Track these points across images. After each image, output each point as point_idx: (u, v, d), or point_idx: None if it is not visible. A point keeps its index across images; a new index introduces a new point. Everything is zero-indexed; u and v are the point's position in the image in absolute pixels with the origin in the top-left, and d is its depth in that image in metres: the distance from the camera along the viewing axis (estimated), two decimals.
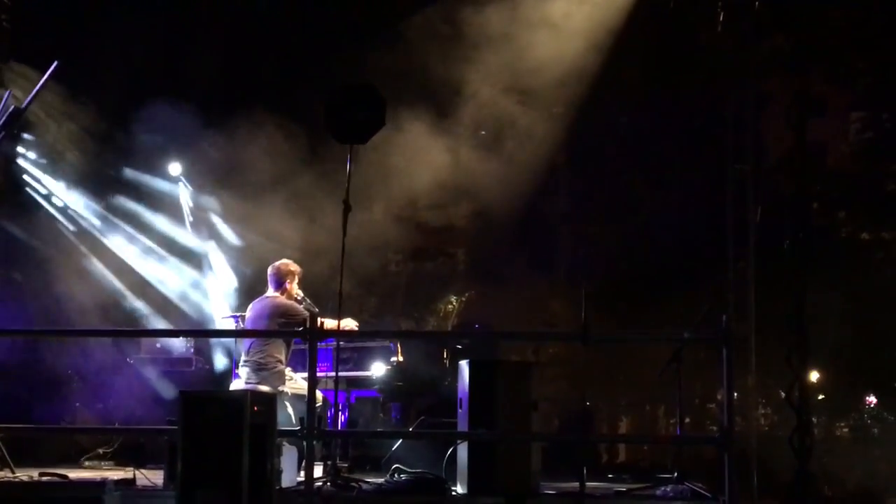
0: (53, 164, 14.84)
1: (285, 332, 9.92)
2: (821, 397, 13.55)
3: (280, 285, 10.27)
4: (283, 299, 10.19)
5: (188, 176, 15.48)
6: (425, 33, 12.97)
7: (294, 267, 10.45)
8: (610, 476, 10.93)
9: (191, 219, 15.68)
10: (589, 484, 8.24)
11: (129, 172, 15.24)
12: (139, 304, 15.17)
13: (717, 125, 11.07)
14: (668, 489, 8.47)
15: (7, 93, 10.97)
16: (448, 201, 13.65)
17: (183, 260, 15.48)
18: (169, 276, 15.40)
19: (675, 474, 8.70)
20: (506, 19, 12.95)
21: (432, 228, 14.07)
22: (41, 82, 11.19)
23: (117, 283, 15.18)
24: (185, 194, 15.64)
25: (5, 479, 8.89)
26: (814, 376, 12.79)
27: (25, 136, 14.25)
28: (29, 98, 11.03)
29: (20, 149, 14.52)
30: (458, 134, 13.09)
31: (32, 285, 14.51)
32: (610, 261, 14.19)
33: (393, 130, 11.49)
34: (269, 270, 10.49)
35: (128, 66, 13.79)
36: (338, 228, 9.36)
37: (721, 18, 10.81)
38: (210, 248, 15.42)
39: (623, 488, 8.98)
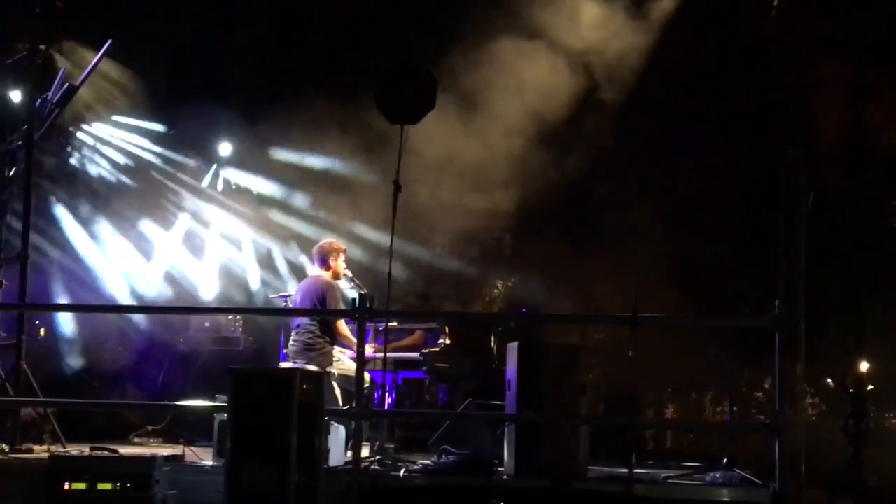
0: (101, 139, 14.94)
1: (336, 312, 9.97)
2: (870, 388, 13.41)
3: (325, 263, 10.35)
4: (325, 278, 10.25)
5: (233, 157, 15.55)
6: (473, 15, 12.95)
7: (338, 245, 10.51)
8: (650, 462, 10.87)
9: (234, 200, 15.77)
10: (636, 470, 8.21)
11: (175, 153, 15.30)
12: (187, 284, 15.26)
13: (768, 110, 10.93)
14: (718, 475, 8.42)
15: (62, 70, 11.14)
16: (495, 186, 13.60)
17: (228, 241, 15.55)
18: (216, 256, 15.46)
19: (725, 461, 8.63)
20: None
21: (479, 212, 14.01)
22: (95, 60, 11.38)
23: (165, 264, 15.28)
24: (227, 175, 15.74)
25: (57, 452, 9.00)
26: (863, 366, 12.65)
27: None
28: (84, 75, 11.22)
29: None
30: (505, 118, 13.05)
31: (79, 263, 14.64)
32: (657, 246, 14.07)
33: (441, 112, 11.49)
34: (314, 249, 10.58)
35: (175, 44, 13.84)
36: (387, 210, 9.40)
37: (775, 2, 10.69)
38: (252, 230, 15.49)
39: (671, 474, 8.92)
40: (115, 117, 14.60)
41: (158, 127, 14.97)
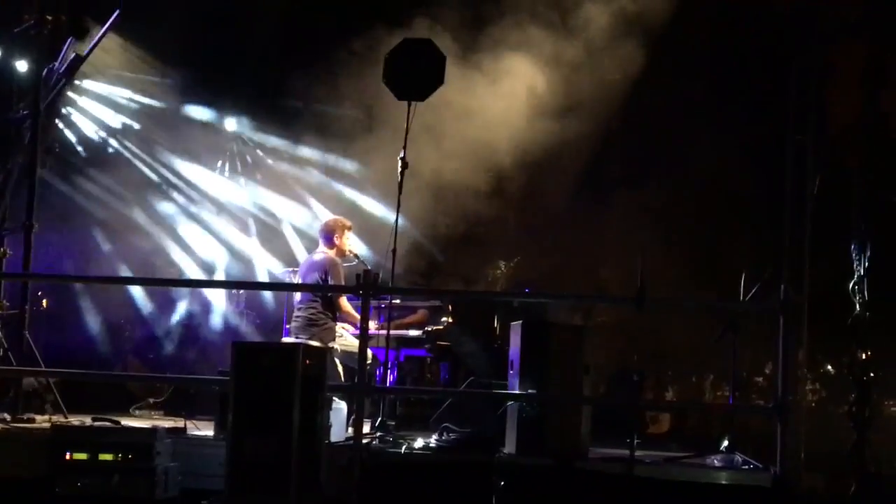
0: (107, 114, 14.88)
1: (339, 288, 9.96)
2: (871, 375, 13.38)
3: (329, 240, 10.34)
4: (329, 255, 10.26)
5: (248, 126, 15.51)
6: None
7: (344, 222, 10.51)
8: (651, 444, 10.87)
9: (241, 172, 15.73)
10: (637, 451, 8.19)
11: (185, 125, 15.23)
12: (190, 259, 15.24)
13: (779, 93, 10.88)
14: (719, 458, 8.42)
15: (69, 40, 11.10)
16: (500, 165, 13.56)
17: (235, 215, 15.51)
18: (220, 231, 15.42)
19: (726, 443, 8.63)
20: None
21: (483, 192, 13.99)
22: (102, 31, 11.34)
23: (167, 238, 15.25)
24: (241, 146, 15.69)
25: (59, 422, 9.01)
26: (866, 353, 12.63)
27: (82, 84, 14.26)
28: (91, 46, 11.18)
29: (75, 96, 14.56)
30: (513, 98, 13.01)
31: (80, 238, 14.62)
32: (663, 228, 14.04)
33: (448, 91, 11.47)
34: (320, 227, 10.57)
35: (186, 15, 13.74)
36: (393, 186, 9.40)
37: None
38: (262, 204, 15.44)
39: (673, 455, 8.92)
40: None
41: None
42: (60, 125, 14.41)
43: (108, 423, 8.63)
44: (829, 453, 9.20)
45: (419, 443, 8.60)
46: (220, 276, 14.86)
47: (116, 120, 14.92)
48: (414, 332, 11.15)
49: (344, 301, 10.10)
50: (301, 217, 15.13)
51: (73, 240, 14.46)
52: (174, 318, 13.93)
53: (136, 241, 14.90)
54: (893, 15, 11.17)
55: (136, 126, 15.04)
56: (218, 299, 13.99)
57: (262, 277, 14.84)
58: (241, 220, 15.48)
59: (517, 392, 8.49)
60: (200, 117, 15.20)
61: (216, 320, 13.61)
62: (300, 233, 15.10)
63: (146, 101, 14.90)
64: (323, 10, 14.22)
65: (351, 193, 14.61)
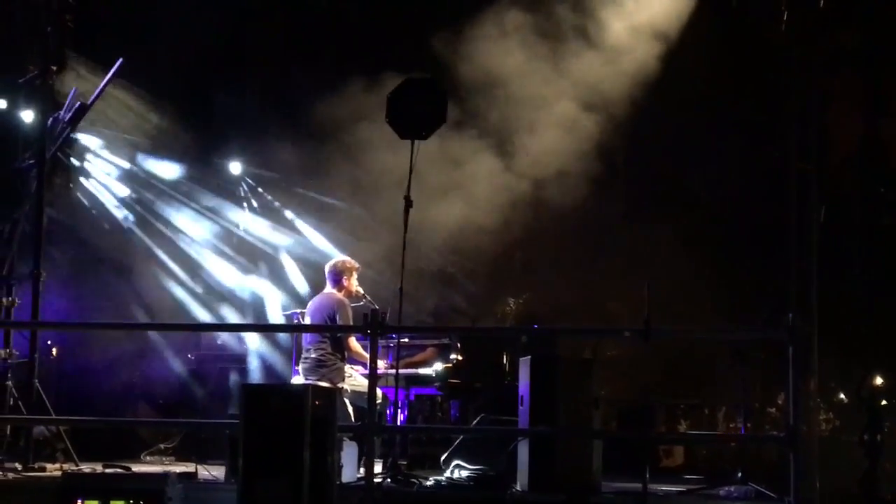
0: (113, 158, 14.94)
1: (347, 328, 9.97)
2: (883, 403, 13.33)
3: (337, 282, 10.34)
4: (337, 296, 10.26)
5: (252, 172, 15.56)
6: (484, 33, 13.00)
7: (352, 263, 10.51)
8: (664, 477, 10.82)
9: (250, 214, 15.76)
10: (649, 485, 8.16)
11: (190, 168, 15.27)
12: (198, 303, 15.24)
13: (781, 123, 10.92)
14: (733, 489, 8.39)
15: (73, 90, 11.19)
16: (506, 203, 13.60)
17: (241, 257, 15.52)
18: (227, 273, 15.42)
19: (740, 474, 8.59)
20: (565, 19, 12.95)
21: (489, 229, 14.03)
22: (106, 79, 11.42)
23: (176, 281, 15.25)
24: (247, 190, 15.73)
25: (70, 470, 9.00)
26: (878, 380, 12.60)
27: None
28: (95, 94, 11.26)
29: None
30: (517, 136, 13.07)
31: (89, 282, 14.62)
32: (669, 260, 14.05)
33: (451, 129, 11.51)
34: (327, 267, 10.58)
35: (190, 59, 13.82)
36: (399, 225, 9.40)
37: (785, 16, 10.70)
38: (271, 243, 15.48)
39: (685, 488, 8.88)
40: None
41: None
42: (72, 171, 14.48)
43: (119, 470, 8.61)
44: (843, 482, 9.16)
45: (431, 481, 8.59)
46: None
47: (122, 168, 14.97)
48: (423, 371, 11.13)
49: (353, 341, 10.11)
50: (309, 254, 15.14)
51: (84, 286, 14.47)
52: (184, 361, 13.89)
53: (147, 285, 14.90)
54: (891, 44, 11.24)
55: (140, 173, 15.09)
56: (227, 341, 13.98)
57: (276, 317, 14.80)
58: (250, 260, 15.50)
59: (528, 428, 8.48)
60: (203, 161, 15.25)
61: (226, 362, 13.58)
62: (309, 269, 15.10)
63: (148, 144, 14.95)
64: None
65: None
